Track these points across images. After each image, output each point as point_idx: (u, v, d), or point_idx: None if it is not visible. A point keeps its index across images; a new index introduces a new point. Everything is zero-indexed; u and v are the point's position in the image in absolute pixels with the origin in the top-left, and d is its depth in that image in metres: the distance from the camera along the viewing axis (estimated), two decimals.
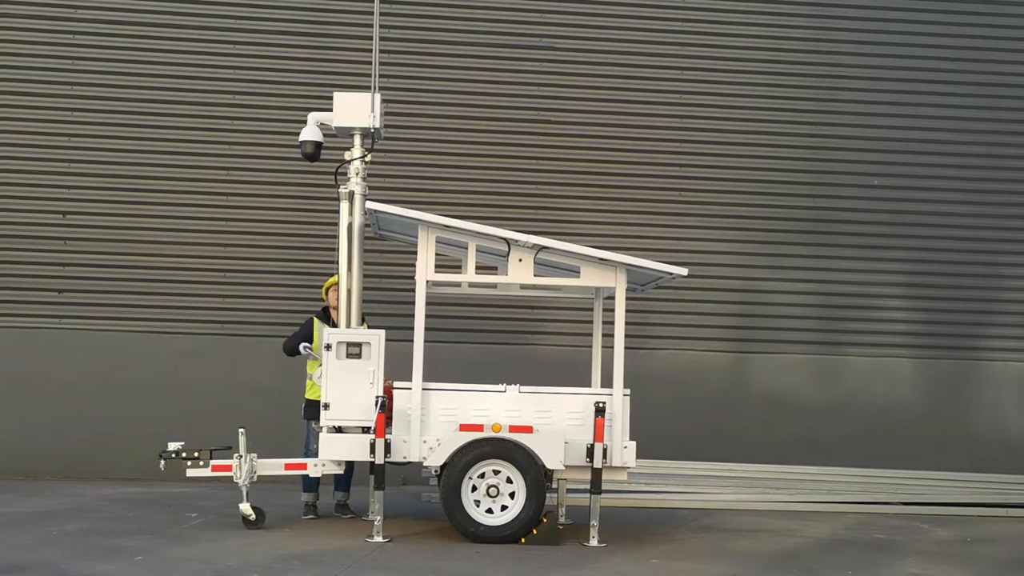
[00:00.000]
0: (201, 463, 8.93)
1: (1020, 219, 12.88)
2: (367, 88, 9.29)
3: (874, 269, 12.75)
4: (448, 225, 8.69)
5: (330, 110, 9.28)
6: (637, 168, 12.62)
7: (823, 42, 12.89)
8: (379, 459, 8.45)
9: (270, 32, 12.43)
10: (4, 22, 12.28)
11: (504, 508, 8.50)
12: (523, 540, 8.46)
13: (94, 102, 12.24)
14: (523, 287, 9.68)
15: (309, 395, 9.53)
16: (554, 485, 9.12)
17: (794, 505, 11.11)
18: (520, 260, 8.83)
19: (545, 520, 8.61)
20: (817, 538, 9.47)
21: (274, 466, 9.10)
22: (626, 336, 8.79)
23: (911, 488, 11.54)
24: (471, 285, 9.42)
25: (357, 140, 9.33)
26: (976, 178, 12.87)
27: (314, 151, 9.31)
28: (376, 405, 8.47)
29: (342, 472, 9.40)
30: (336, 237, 9.29)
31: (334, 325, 9.37)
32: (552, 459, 8.46)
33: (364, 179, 9.30)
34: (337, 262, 9.23)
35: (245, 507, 8.89)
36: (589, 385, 9.80)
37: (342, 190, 9.22)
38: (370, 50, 9.70)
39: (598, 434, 8.50)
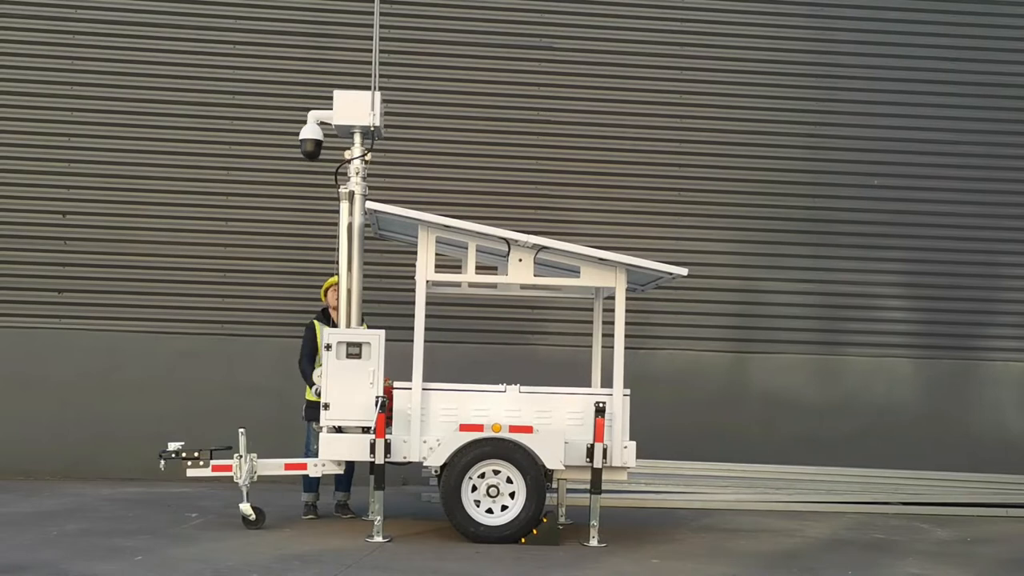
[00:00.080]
0: (201, 463, 8.92)
1: (1020, 219, 12.89)
2: (367, 88, 9.29)
3: (874, 269, 12.75)
4: (448, 225, 8.69)
5: (330, 109, 9.28)
6: (637, 168, 12.62)
7: (822, 42, 12.89)
8: (379, 459, 8.45)
9: (269, 32, 12.42)
10: (3, 22, 12.27)
11: (504, 508, 8.50)
12: (523, 540, 8.46)
13: (93, 102, 12.24)
14: (523, 287, 9.68)
15: (310, 396, 9.52)
16: (554, 485, 9.12)
17: (794, 505, 11.11)
18: (520, 260, 8.83)
19: (545, 520, 8.61)
20: (817, 538, 9.47)
21: (274, 466, 9.10)
22: (626, 336, 8.79)
23: (911, 488, 11.54)
24: (471, 285, 9.42)
25: (357, 139, 9.33)
26: (976, 178, 12.87)
27: (314, 149, 9.31)
28: (376, 405, 8.47)
29: (342, 472, 9.40)
30: (336, 237, 9.28)
31: (334, 325, 9.36)
32: (552, 459, 8.46)
33: (364, 179, 9.29)
34: (337, 262, 9.23)
35: (245, 507, 8.89)
36: (589, 385, 9.80)
37: (342, 190, 9.22)
38: (369, 50, 9.69)
39: (598, 434, 8.49)
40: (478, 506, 8.49)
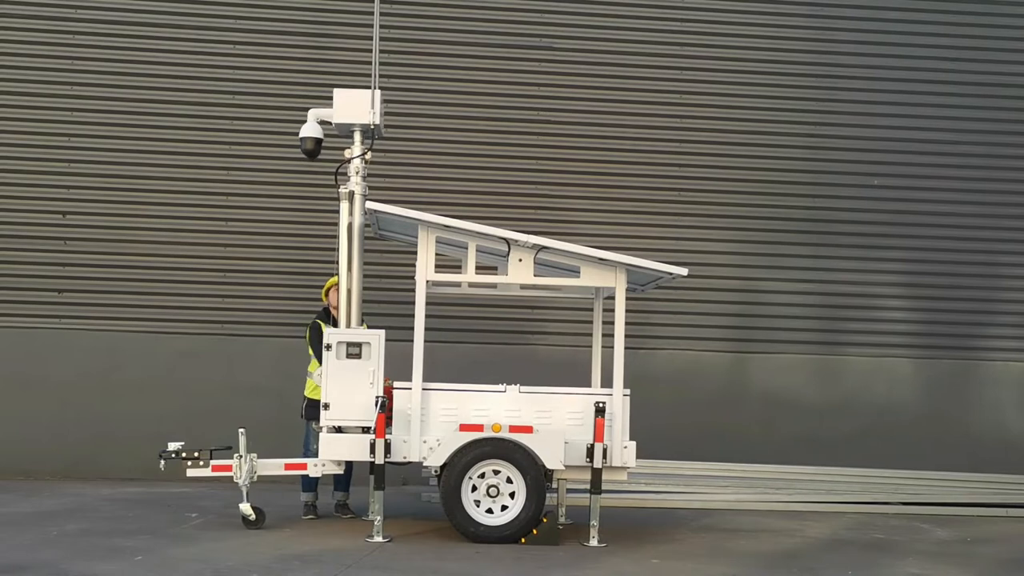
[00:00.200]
0: (201, 463, 8.92)
1: (1020, 219, 12.88)
2: (366, 88, 9.28)
3: (874, 269, 12.75)
4: (448, 225, 8.69)
5: (330, 108, 9.28)
6: (636, 168, 12.62)
7: (822, 42, 12.89)
8: (379, 459, 8.45)
9: (269, 32, 12.42)
10: (3, 22, 12.27)
11: (504, 508, 8.50)
12: (523, 540, 8.46)
13: (93, 102, 12.24)
14: (523, 287, 9.68)
15: (309, 394, 9.51)
16: (554, 485, 9.11)
17: (794, 505, 11.10)
18: (520, 260, 8.83)
19: (545, 520, 8.61)
20: (817, 538, 9.47)
21: (274, 466, 9.10)
22: (626, 336, 8.79)
23: (911, 488, 11.54)
24: (471, 285, 9.41)
25: (357, 137, 9.32)
26: (976, 178, 12.87)
27: (314, 148, 9.31)
28: (376, 405, 8.46)
29: (342, 472, 9.40)
30: (336, 237, 9.28)
31: (335, 325, 9.35)
32: (552, 459, 8.46)
33: (364, 179, 9.29)
34: (337, 262, 9.23)
35: (245, 507, 8.89)
36: (589, 385, 9.80)
37: (342, 190, 9.21)
38: (369, 50, 9.69)
39: (598, 434, 8.49)
40: (478, 506, 8.49)
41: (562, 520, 9.36)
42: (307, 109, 9.49)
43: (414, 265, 8.83)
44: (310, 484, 9.55)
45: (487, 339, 12.26)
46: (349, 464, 9.36)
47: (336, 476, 9.57)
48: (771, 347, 12.60)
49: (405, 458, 8.64)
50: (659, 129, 12.65)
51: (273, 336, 11.97)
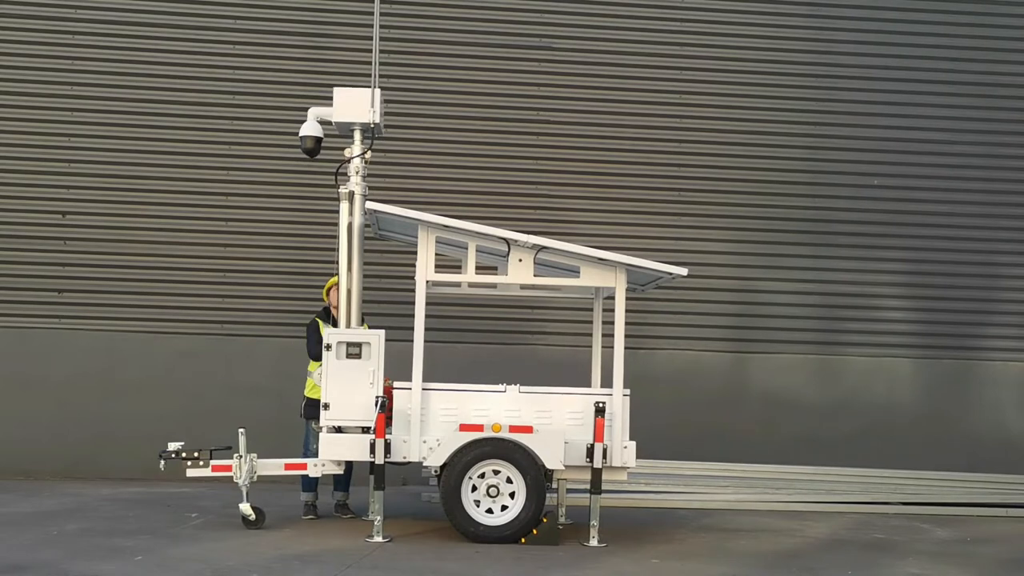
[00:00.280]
0: (201, 463, 8.92)
1: (1019, 219, 12.89)
2: (366, 87, 9.28)
3: (874, 269, 12.75)
4: (448, 225, 8.69)
5: (330, 106, 9.28)
6: (636, 168, 12.62)
7: (821, 42, 12.89)
8: (379, 459, 8.44)
9: (269, 32, 12.42)
10: (3, 22, 12.27)
11: (504, 508, 8.50)
12: (523, 540, 8.46)
13: (93, 102, 12.24)
14: (523, 287, 9.68)
15: (309, 393, 9.51)
16: (554, 485, 9.11)
17: (794, 505, 11.10)
18: (520, 260, 8.83)
19: (545, 520, 8.61)
20: (817, 538, 9.47)
21: (274, 466, 9.10)
22: (626, 336, 8.79)
23: (911, 488, 11.54)
24: (471, 285, 9.41)
25: (357, 136, 9.32)
26: (975, 178, 12.87)
27: (314, 146, 9.30)
28: (376, 405, 8.46)
29: (342, 472, 9.39)
30: (336, 237, 9.28)
31: (335, 325, 9.35)
32: (552, 459, 8.46)
33: (364, 179, 9.29)
34: (337, 262, 9.23)
35: (245, 507, 8.89)
36: (589, 385, 9.80)
37: (342, 190, 9.21)
38: (368, 50, 9.69)
39: (598, 434, 8.49)
40: (478, 506, 8.49)
41: (562, 520, 9.36)
42: (307, 109, 9.49)
43: (414, 265, 8.83)
44: (310, 484, 9.55)
45: (487, 339, 12.25)
46: (349, 464, 9.36)
47: (336, 476, 9.57)
48: (771, 347, 12.60)
49: (405, 458, 8.64)
50: (659, 129, 12.66)
51: (273, 336, 11.96)
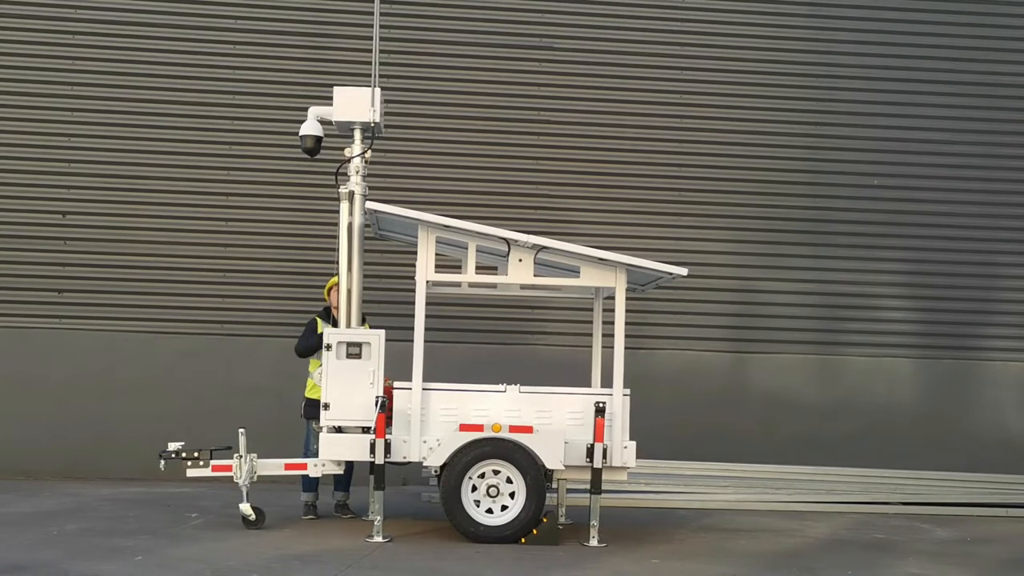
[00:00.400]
0: (201, 463, 8.92)
1: (1019, 219, 12.89)
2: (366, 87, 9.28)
3: (874, 269, 12.75)
4: (448, 225, 8.69)
5: (330, 106, 9.27)
6: (636, 168, 12.62)
7: (822, 42, 12.89)
8: (379, 459, 8.45)
9: (268, 32, 12.42)
10: (3, 22, 12.27)
11: (504, 508, 8.50)
12: (523, 540, 8.46)
13: (93, 102, 12.23)
14: (523, 287, 9.68)
15: (309, 394, 9.52)
16: (554, 485, 9.11)
17: (794, 505, 11.10)
18: (520, 260, 8.83)
19: (545, 520, 8.61)
20: (817, 538, 9.47)
21: (274, 466, 9.10)
22: (626, 336, 8.79)
23: (911, 488, 11.54)
24: (471, 285, 9.41)
25: (357, 135, 9.32)
26: (975, 178, 12.87)
27: (314, 146, 9.30)
28: (376, 405, 8.46)
29: (342, 472, 9.39)
30: (336, 237, 9.28)
31: (335, 325, 9.35)
32: (552, 459, 8.46)
33: (364, 178, 9.29)
34: (337, 262, 9.23)
35: (245, 507, 8.89)
36: (589, 385, 9.80)
37: (342, 190, 9.21)
38: (368, 50, 9.69)
39: (598, 434, 8.49)
40: (478, 506, 8.49)
41: (562, 520, 9.36)
42: (307, 108, 9.49)
43: (414, 265, 8.83)
44: (310, 484, 9.55)
45: (487, 339, 12.25)
46: (350, 464, 9.36)
47: (336, 476, 9.57)
48: (771, 347, 12.60)
49: (405, 458, 8.64)
50: (659, 129, 12.66)
51: (273, 336, 11.96)
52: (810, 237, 12.73)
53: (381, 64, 9.69)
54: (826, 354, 12.67)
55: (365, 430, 8.63)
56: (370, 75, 9.39)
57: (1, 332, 12.04)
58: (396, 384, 8.72)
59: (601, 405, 8.49)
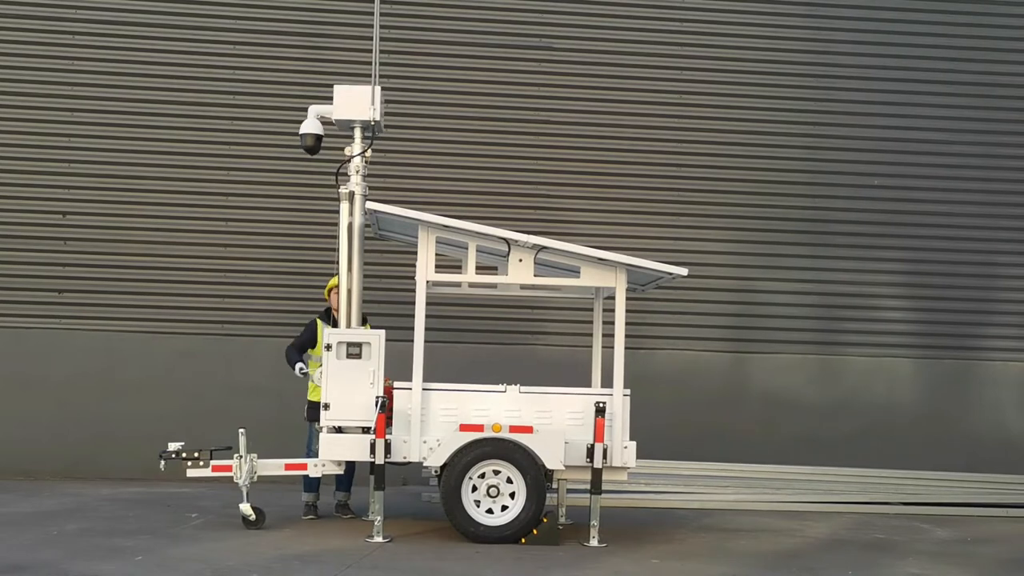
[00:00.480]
0: (201, 463, 8.92)
1: (1018, 219, 12.89)
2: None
3: (874, 269, 12.76)
4: (448, 225, 8.69)
5: (330, 104, 9.27)
6: (636, 168, 12.62)
7: (820, 42, 12.89)
8: (379, 459, 8.44)
9: (268, 32, 12.42)
10: (3, 22, 12.26)
11: (504, 508, 8.50)
12: (523, 540, 8.46)
13: (93, 102, 12.23)
14: (523, 287, 9.68)
15: (311, 396, 9.51)
16: (554, 485, 9.11)
17: (794, 505, 11.10)
18: (520, 260, 8.83)
19: (545, 520, 8.61)
20: (817, 538, 9.47)
21: (274, 466, 9.09)
22: (626, 336, 8.79)
23: (911, 488, 11.54)
24: (471, 285, 9.41)
25: (357, 134, 9.31)
26: (974, 178, 12.88)
27: (314, 144, 9.30)
28: (376, 405, 8.46)
29: (342, 472, 9.39)
30: (336, 237, 9.28)
31: (336, 326, 9.34)
32: (552, 459, 8.46)
33: (364, 178, 9.28)
34: (337, 262, 9.22)
35: (245, 507, 8.88)
36: (589, 385, 9.80)
37: (342, 190, 9.20)
38: (366, 50, 9.69)
39: (598, 434, 8.49)
40: (478, 506, 8.49)
41: (562, 520, 9.36)
42: (306, 108, 9.48)
43: (414, 265, 8.83)
44: (311, 484, 9.55)
45: (487, 339, 12.26)
46: (351, 464, 9.36)
47: (337, 476, 9.56)
48: (771, 347, 12.60)
49: (405, 458, 8.64)
50: (659, 129, 12.66)
51: (273, 336, 11.92)
52: (810, 237, 12.73)
53: (380, 64, 9.68)
54: (826, 354, 12.67)
55: (365, 430, 8.63)
56: (369, 75, 9.38)
57: (1, 332, 12.04)
58: (396, 384, 8.72)
59: (601, 405, 8.49)
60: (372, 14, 9.71)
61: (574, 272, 9.03)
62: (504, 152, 12.53)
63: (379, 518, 8.49)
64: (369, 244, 9.60)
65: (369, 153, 9.34)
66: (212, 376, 12.04)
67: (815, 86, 12.84)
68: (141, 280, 12.15)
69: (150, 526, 8.92)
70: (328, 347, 8.74)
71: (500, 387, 8.75)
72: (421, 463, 8.66)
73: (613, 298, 8.85)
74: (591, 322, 10.11)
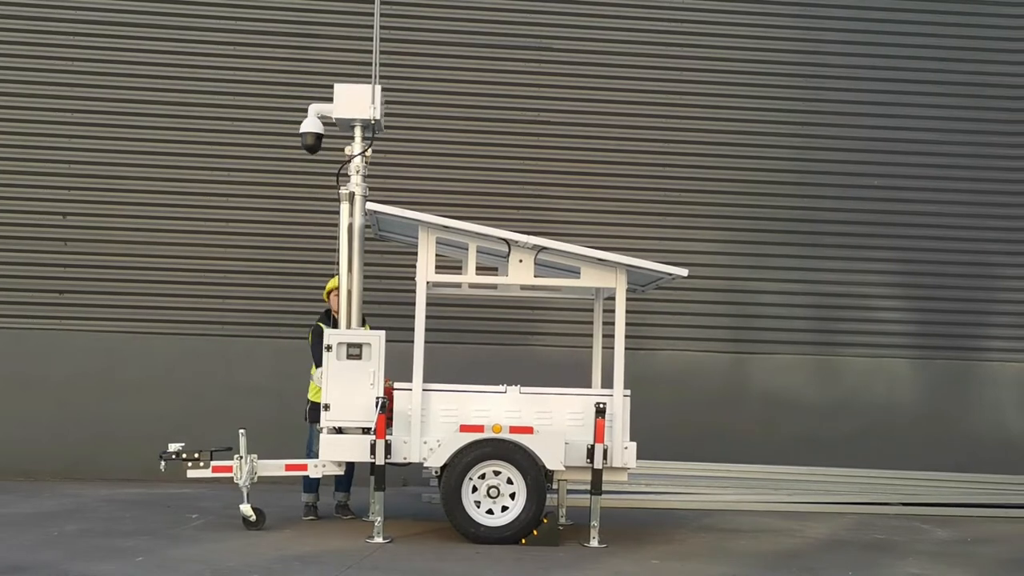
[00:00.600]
0: (201, 464, 8.92)
1: (1015, 219, 12.90)
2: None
3: (872, 270, 12.76)
4: (448, 226, 8.69)
5: (331, 104, 9.26)
6: (636, 169, 12.63)
7: (810, 42, 12.90)
8: (379, 460, 8.44)
9: (268, 32, 12.42)
10: (3, 23, 12.26)
11: (504, 509, 8.50)
12: (523, 541, 8.46)
13: (94, 103, 12.23)
14: (523, 288, 9.67)
15: (312, 397, 9.51)
16: (554, 486, 9.11)
17: (794, 505, 11.11)
18: (520, 261, 8.83)
19: (545, 521, 8.60)
20: (817, 538, 9.48)
21: (274, 467, 9.09)
22: (626, 337, 8.79)
23: (911, 488, 11.54)
24: (471, 286, 9.42)
25: (358, 133, 9.30)
26: (972, 178, 12.88)
27: (315, 143, 9.29)
28: (376, 406, 8.46)
29: (342, 473, 9.39)
30: (336, 237, 9.28)
31: (336, 327, 9.33)
32: (552, 460, 8.46)
33: (365, 178, 9.28)
34: (337, 263, 9.22)
35: (245, 508, 8.88)
36: (589, 385, 9.80)
37: (342, 191, 9.20)
38: (365, 50, 9.69)
39: (598, 435, 8.49)
40: (478, 507, 8.49)
41: (562, 521, 9.36)
42: (306, 109, 9.48)
43: (414, 266, 8.83)
44: (312, 485, 9.55)
45: (487, 339, 12.26)
46: (351, 465, 9.36)
47: (337, 477, 9.56)
48: (771, 347, 12.61)
49: (405, 459, 8.64)
50: (659, 129, 12.66)
51: (272, 337, 11.97)
52: (809, 238, 12.73)
53: (379, 64, 9.68)
54: (826, 354, 12.67)
55: (365, 431, 8.63)
56: (368, 74, 9.38)
57: (1, 332, 12.04)
58: (396, 385, 8.72)
59: (601, 406, 8.49)
60: (368, 14, 9.72)
61: (574, 273, 9.03)
62: (504, 153, 12.53)
63: (379, 519, 8.49)
64: (369, 245, 9.60)
65: (369, 153, 9.34)
66: (212, 376, 12.04)
67: (807, 87, 12.83)
68: (141, 281, 12.15)
69: (150, 527, 8.92)
70: (328, 348, 8.73)
71: (500, 388, 8.75)
72: (421, 464, 8.66)
73: (613, 299, 8.85)
74: (591, 323, 10.11)
